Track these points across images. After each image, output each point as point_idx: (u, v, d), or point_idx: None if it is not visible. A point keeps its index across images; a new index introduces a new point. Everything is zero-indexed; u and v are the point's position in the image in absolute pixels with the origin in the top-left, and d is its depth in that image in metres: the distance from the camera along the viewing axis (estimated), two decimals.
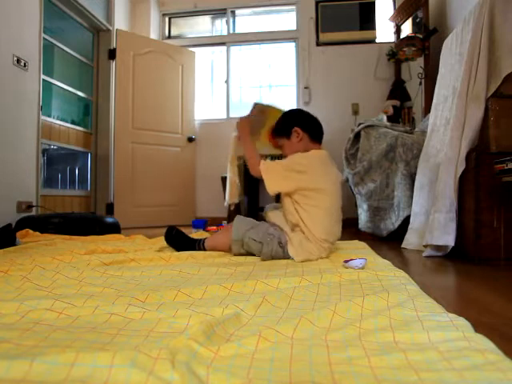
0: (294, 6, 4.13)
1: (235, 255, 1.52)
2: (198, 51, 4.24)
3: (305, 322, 0.65)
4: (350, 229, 2.94)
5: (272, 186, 1.49)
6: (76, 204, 3.50)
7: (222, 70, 4.31)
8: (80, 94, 3.62)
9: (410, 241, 2.00)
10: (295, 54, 4.14)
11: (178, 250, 1.60)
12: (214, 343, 0.55)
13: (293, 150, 1.57)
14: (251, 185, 3.55)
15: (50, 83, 3.20)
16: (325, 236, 1.48)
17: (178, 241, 1.62)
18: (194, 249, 1.60)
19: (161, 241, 1.84)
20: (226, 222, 3.00)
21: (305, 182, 1.47)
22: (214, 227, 2.20)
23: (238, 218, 1.57)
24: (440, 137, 1.97)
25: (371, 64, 3.87)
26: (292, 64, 4.17)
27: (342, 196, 1.57)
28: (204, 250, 1.60)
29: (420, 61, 3.26)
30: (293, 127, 1.58)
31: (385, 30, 3.92)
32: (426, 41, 3.11)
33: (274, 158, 3.55)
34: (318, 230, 1.47)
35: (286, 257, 1.46)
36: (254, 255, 1.51)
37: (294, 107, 1.74)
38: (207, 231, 2.28)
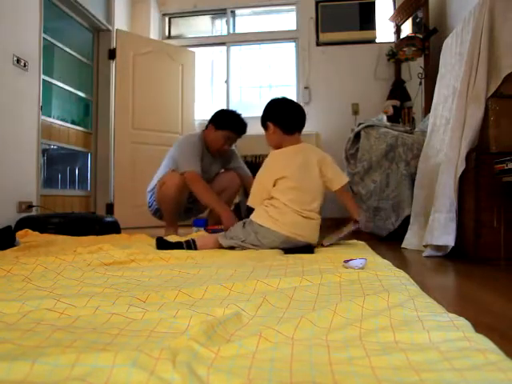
0: (294, 6, 4.13)
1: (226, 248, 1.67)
2: (198, 51, 4.24)
3: (305, 322, 0.65)
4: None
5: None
6: (76, 204, 3.50)
7: (222, 70, 4.31)
8: (80, 93, 3.63)
9: (410, 241, 2.00)
10: (295, 54, 4.14)
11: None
12: (214, 343, 0.55)
13: (270, 142, 1.79)
14: None
15: (50, 83, 3.20)
16: (292, 200, 1.61)
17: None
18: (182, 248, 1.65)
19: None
20: None
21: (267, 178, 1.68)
22: (216, 226, 2.21)
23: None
24: (440, 137, 1.97)
25: (371, 64, 3.87)
26: (292, 64, 4.18)
27: (314, 178, 1.70)
28: (195, 247, 1.65)
29: (420, 61, 3.26)
30: (266, 121, 1.75)
31: (385, 30, 3.93)
32: (426, 41, 3.11)
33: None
34: (284, 195, 1.62)
35: (245, 234, 1.63)
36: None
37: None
38: (207, 230, 2.28)
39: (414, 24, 3.42)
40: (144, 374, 0.43)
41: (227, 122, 2.38)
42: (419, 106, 3.30)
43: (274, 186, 1.66)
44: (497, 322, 0.79)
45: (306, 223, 1.64)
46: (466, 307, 0.92)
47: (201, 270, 1.14)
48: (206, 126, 2.46)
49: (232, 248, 1.68)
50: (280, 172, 1.66)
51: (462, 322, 0.64)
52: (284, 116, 1.73)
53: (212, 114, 2.49)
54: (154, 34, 4.21)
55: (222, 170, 2.60)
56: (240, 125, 2.42)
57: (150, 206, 2.58)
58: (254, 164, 3.59)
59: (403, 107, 3.43)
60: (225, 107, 4.20)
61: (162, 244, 1.65)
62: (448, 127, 1.84)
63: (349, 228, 1.81)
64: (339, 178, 1.75)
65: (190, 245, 1.65)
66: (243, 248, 1.64)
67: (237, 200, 3.32)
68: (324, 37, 3.96)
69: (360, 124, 2.75)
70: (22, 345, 0.54)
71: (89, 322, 0.66)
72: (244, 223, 1.69)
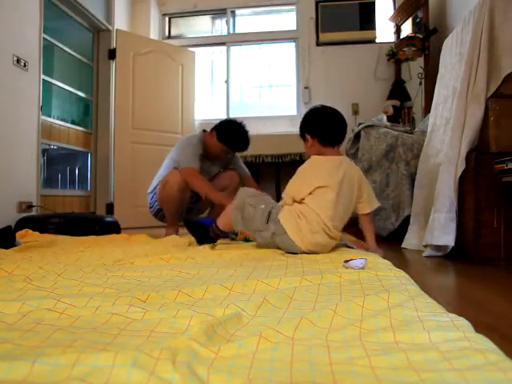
0: (294, 5, 4.13)
1: (231, 233, 1.72)
2: (198, 51, 4.24)
3: (305, 323, 0.65)
4: (350, 229, 2.93)
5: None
6: (76, 204, 3.50)
7: (222, 70, 4.31)
8: (80, 93, 3.62)
9: (410, 241, 2.00)
10: (295, 54, 4.14)
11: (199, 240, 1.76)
12: (214, 343, 0.55)
13: (309, 152, 1.70)
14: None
15: (50, 83, 3.20)
16: (330, 217, 1.50)
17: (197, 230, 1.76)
18: (208, 235, 1.73)
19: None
20: None
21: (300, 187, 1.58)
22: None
23: (243, 189, 1.72)
24: (440, 137, 1.97)
25: (371, 64, 3.87)
26: (292, 64, 4.17)
27: (352, 195, 1.61)
28: (220, 231, 1.72)
29: (420, 61, 3.26)
30: (304, 133, 1.67)
31: (385, 30, 3.93)
32: (426, 41, 3.11)
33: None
34: (324, 210, 1.50)
35: (264, 227, 1.56)
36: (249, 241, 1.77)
37: (316, 105, 1.78)
38: None
39: (414, 24, 3.42)
40: (144, 374, 0.43)
41: (230, 138, 2.38)
42: (419, 106, 3.30)
43: (310, 193, 1.53)
44: (497, 322, 0.79)
45: (329, 244, 1.57)
46: (466, 307, 0.92)
47: (201, 270, 1.14)
48: (211, 130, 2.46)
49: (226, 236, 1.78)
50: (323, 180, 1.53)
51: (462, 321, 0.64)
52: (323, 128, 1.63)
53: (221, 121, 2.47)
54: (153, 34, 4.21)
55: (222, 170, 2.61)
56: (241, 144, 2.41)
57: (151, 207, 2.58)
58: (255, 164, 3.59)
59: (403, 107, 3.43)
60: (225, 107, 4.20)
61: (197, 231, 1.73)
62: (448, 127, 1.84)
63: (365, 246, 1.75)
64: (372, 202, 1.65)
65: (217, 232, 1.73)
66: (243, 234, 1.70)
67: None
68: (324, 37, 3.96)
69: (360, 124, 2.75)
70: (22, 345, 0.54)
71: (89, 322, 0.66)
72: (269, 216, 1.55)
